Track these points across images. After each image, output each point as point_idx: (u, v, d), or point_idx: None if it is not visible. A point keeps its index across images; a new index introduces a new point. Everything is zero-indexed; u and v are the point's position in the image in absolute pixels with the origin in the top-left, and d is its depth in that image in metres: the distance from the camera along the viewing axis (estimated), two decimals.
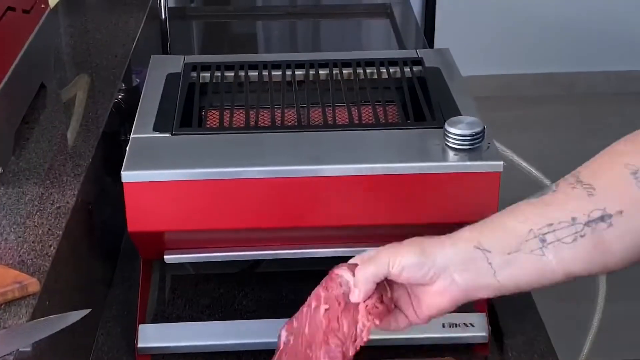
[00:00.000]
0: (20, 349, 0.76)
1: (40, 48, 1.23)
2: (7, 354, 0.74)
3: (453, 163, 0.96)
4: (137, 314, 1.04)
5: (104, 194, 1.16)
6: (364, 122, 1.07)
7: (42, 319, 0.80)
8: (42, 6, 1.27)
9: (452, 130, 0.97)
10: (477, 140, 0.97)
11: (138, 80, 1.46)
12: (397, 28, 1.93)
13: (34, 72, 1.20)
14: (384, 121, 1.07)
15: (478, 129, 0.97)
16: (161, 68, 1.20)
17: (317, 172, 0.96)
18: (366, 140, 1.02)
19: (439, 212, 0.98)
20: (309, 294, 1.14)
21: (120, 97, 1.38)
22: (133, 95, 1.39)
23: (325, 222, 0.99)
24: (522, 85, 3.72)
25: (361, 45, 2.07)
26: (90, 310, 0.83)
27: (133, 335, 1.04)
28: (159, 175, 0.95)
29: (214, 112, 1.10)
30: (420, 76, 1.16)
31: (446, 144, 0.98)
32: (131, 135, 1.02)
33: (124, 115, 1.35)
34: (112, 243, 1.23)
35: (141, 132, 1.03)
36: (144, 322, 1.05)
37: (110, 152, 1.21)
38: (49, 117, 1.19)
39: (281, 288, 1.16)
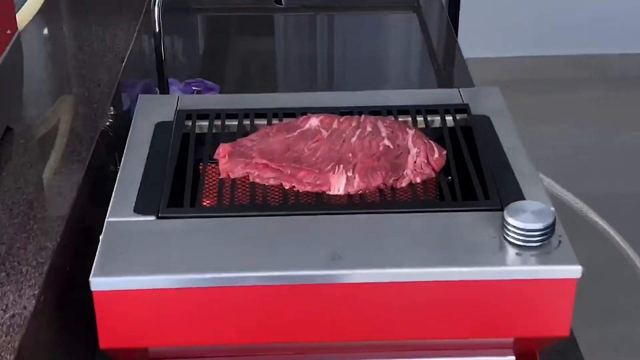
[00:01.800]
0: None
1: (5, 82, 1.02)
2: None
3: (515, 268, 0.75)
4: None
5: (76, 277, 0.95)
6: (396, 197, 0.85)
7: None
8: (8, 32, 1.05)
9: (514, 222, 0.76)
10: (546, 236, 0.76)
11: (129, 101, 1.26)
12: (423, 21, 1.71)
13: None
14: (421, 195, 0.86)
15: (548, 221, 0.75)
16: (149, 114, 0.99)
17: (337, 279, 0.75)
18: (401, 229, 0.80)
19: (492, 327, 0.77)
20: None
21: (108, 124, 1.18)
22: (123, 122, 1.18)
23: (344, 337, 0.78)
24: (552, 68, 3.49)
25: (385, 42, 1.86)
26: None
27: None
28: (140, 282, 0.74)
29: (210, 187, 0.89)
30: (466, 130, 0.94)
31: (505, 238, 0.77)
32: (106, 220, 0.81)
33: (113, 150, 1.14)
34: (85, 345, 1.01)
35: (119, 215, 0.82)
36: None
37: (89, 217, 1.00)
38: (14, 174, 0.98)
39: None
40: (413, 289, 0.75)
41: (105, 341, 0.76)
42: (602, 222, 1.22)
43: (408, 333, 0.77)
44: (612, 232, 1.20)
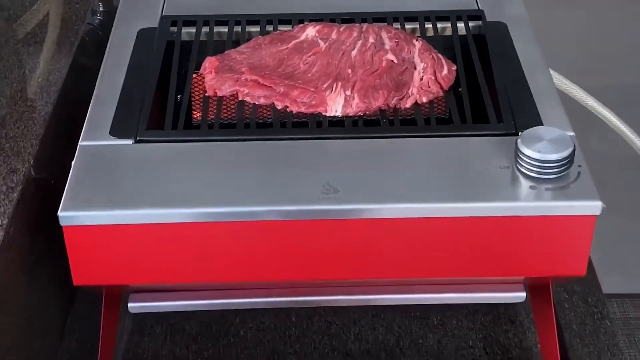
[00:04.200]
0: None
1: None
2: None
3: (528, 203, 0.67)
4: None
5: (51, 200, 0.88)
6: (399, 120, 0.77)
7: None
8: None
9: (529, 152, 0.67)
10: (564, 167, 0.68)
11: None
12: None
13: None
14: (426, 115, 0.77)
15: (567, 152, 0.67)
16: (131, 20, 0.90)
17: (331, 215, 0.68)
18: (404, 156, 0.72)
19: (504, 265, 0.70)
20: (324, 319, 0.90)
21: (97, 22, 1.09)
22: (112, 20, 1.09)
23: (338, 275, 0.71)
24: None
25: None
26: None
27: None
28: (112, 217, 0.67)
29: (196, 106, 0.81)
30: (480, 39, 0.85)
31: (518, 169, 0.69)
32: (79, 143, 0.74)
33: (102, 48, 1.05)
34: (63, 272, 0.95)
35: (93, 138, 0.74)
36: None
37: (66, 135, 0.92)
38: None
39: (290, 309, 0.91)
40: (416, 225, 0.68)
41: (79, 278, 0.70)
42: (614, 118, 1.15)
43: (412, 272, 0.71)
44: (624, 129, 1.13)
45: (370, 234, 0.68)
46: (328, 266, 0.70)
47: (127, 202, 0.68)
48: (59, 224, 0.69)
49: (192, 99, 0.83)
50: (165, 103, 0.78)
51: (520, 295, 0.77)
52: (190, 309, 0.79)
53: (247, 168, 0.71)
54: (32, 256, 0.80)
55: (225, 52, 0.82)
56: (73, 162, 0.72)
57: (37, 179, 0.80)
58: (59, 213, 0.67)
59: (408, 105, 0.76)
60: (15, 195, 0.76)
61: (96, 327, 0.84)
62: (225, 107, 0.79)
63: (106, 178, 0.70)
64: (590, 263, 0.94)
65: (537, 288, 0.81)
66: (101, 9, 1.10)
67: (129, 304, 0.77)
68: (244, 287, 0.76)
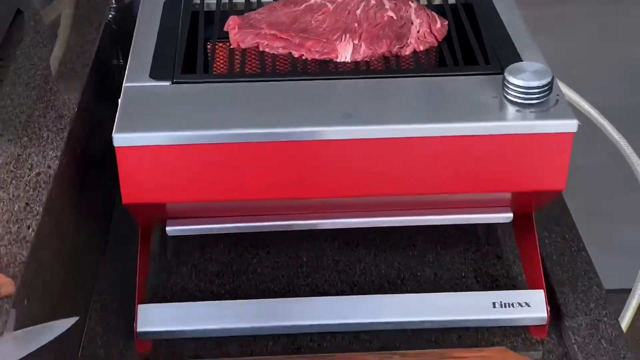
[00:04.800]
0: None
1: None
2: None
3: (516, 123, 0.79)
4: (135, 291, 0.90)
5: (92, 145, 0.99)
6: (401, 64, 0.89)
7: (19, 332, 0.65)
8: None
9: (514, 80, 0.79)
10: (544, 93, 0.80)
11: None
12: None
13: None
14: (425, 63, 0.90)
15: (546, 80, 0.79)
16: None
17: (349, 134, 0.79)
18: (407, 92, 0.84)
19: (494, 181, 0.82)
20: (332, 258, 1.00)
21: (111, 16, 1.20)
22: (127, 14, 1.20)
23: (354, 192, 0.82)
24: None
25: None
26: (77, 318, 0.67)
27: (131, 316, 0.90)
28: (159, 138, 0.78)
29: (222, 47, 0.92)
30: (467, 3, 0.97)
31: (505, 97, 0.81)
32: (123, 85, 0.84)
33: (116, 43, 1.17)
34: (102, 207, 1.07)
35: (135, 80, 0.85)
36: (143, 302, 0.90)
37: (101, 92, 1.03)
38: (27, 53, 1.01)
39: (301, 251, 1.02)
40: (418, 144, 0.79)
41: (127, 196, 0.80)
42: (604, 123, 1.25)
43: (413, 187, 0.82)
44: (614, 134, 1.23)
45: (380, 153, 0.79)
46: (346, 183, 0.81)
47: (172, 126, 0.79)
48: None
49: (216, 59, 0.94)
50: (194, 56, 0.89)
51: (507, 216, 0.88)
52: (218, 232, 0.89)
53: (272, 101, 0.82)
54: (79, 183, 0.91)
55: (244, 14, 0.94)
56: (120, 100, 0.83)
57: (80, 122, 0.91)
58: (113, 135, 0.78)
59: (407, 52, 0.88)
60: (65, 134, 0.87)
61: (127, 266, 0.95)
62: (247, 58, 0.91)
63: (151, 109, 0.81)
64: (567, 209, 1.07)
65: (521, 219, 0.92)
66: (114, 5, 1.21)
67: (167, 228, 0.87)
68: (269, 211, 0.87)
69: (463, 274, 0.99)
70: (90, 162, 0.97)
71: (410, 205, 0.87)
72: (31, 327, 0.66)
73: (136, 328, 0.88)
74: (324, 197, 0.82)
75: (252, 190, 0.81)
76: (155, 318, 0.88)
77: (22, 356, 0.63)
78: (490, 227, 1.04)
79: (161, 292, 0.96)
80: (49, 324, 0.66)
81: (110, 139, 0.78)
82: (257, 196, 0.82)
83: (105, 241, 1.02)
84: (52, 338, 0.65)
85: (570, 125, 0.79)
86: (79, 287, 0.90)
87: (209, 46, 0.94)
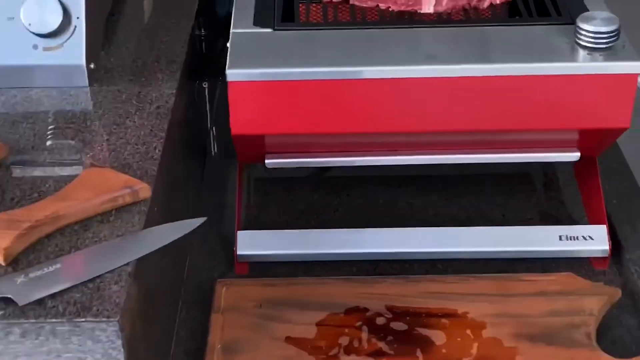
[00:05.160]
0: (136, 259, 0.71)
1: None
2: (125, 264, 0.70)
3: (587, 64, 0.88)
4: (235, 220, 1.00)
5: (192, 93, 1.10)
6: (479, 15, 0.98)
7: (157, 226, 0.75)
8: None
9: (585, 26, 0.88)
10: (612, 39, 0.88)
11: None
12: None
13: None
14: (501, 15, 0.98)
15: (614, 26, 0.88)
16: None
17: (433, 73, 0.88)
18: (485, 38, 0.93)
19: (565, 118, 0.91)
20: (406, 200, 1.09)
21: None
22: None
23: (438, 127, 0.92)
24: None
25: None
26: (205, 218, 0.77)
27: (229, 241, 1.00)
28: (265, 75, 0.88)
29: (316, 7, 1.02)
30: None
31: (577, 42, 0.89)
32: (231, 31, 0.95)
33: (207, 5, 1.27)
34: (200, 146, 1.18)
35: (241, 27, 0.95)
36: (241, 229, 1.00)
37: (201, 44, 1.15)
38: (135, 8, 1.12)
39: (378, 195, 1.11)
40: (499, 83, 0.88)
41: (236, 128, 0.90)
42: None
43: (490, 124, 0.91)
44: None
45: (459, 90, 0.89)
46: (428, 118, 0.90)
47: (276, 64, 0.89)
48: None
49: (311, 13, 1.04)
50: (291, 9, 0.99)
51: (575, 155, 0.97)
52: (311, 165, 0.99)
53: (362, 45, 0.92)
54: (189, 116, 1.02)
55: None
56: (228, 44, 0.93)
57: (187, 67, 1.02)
58: (227, 71, 0.88)
59: (485, 6, 0.98)
60: (177, 75, 0.97)
61: (222, 199, 1.06)
62: (339, 10, 1.00)
63: (256, 50, 0.91)
64: (625, 160, 1.15)
65: (585, 163, 1.01)
66: None
67: (267, 161, 0.96)
68: (356, 147, 0.96)
69: (529, 216, 1.07)
70: (193, 102, 1.08)
71: (485, 144, 0.96)
72: (168, 224, 0.76)
73: (236, 252, 0.98)
74: (407, 132, 0.92)
75: (342, 124, 0.91)
76: (253, 243, 0.98)
77: (159, 246, 0.73)
78: (553, 177, 1.13)
79: (253, 225, 1.06)
80: (182, 221, 0.76)
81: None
82: (346, 129, 0.91)
83: (202, 176, 1.13)
84: (184, 234, 0.75)
85: (635, 66, 0.87)
86: (187, 209, 1.00)
87: (302, 5, 1.04)
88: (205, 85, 1.22)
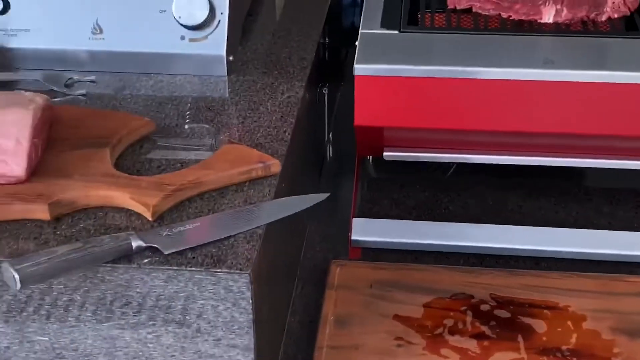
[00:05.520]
0: (266, 224, 0.79)
1: None
2: (256, 227, 0.77)
3: None
4: (351, 208, 1.07)
5: (314, 94, 1.18)
6: (597, 27, 1.03)
7: (285, 198, 0.83)
8: None
9: None
10: None
11: None
12: None
13: None
14: (618, 28, 1.03)
15: None
16: None
17: (550, 77, 0.93)
18: (602, 48, 0.97)
19: None
20: (516, 203, 1.14)
21: None
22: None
23: (550, 129, 0.96)
24: None
25: None
26: (328, 194, 0.85)
27: (343, 227, 1.07)
28: (390, 71, 0.95)
29: (439, 15, 1.08)
30: None
31: None
32: (360, 31, 1.02)
33: (333, 15, 1.35)
34: (319, 147, 1.26)
35: (369, 28, 1.03)
36: (356, 217, 1.07)
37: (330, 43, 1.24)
38: (270, 10, 1.21)
39: (487, 196, 1.16)
40: (612, 89, 0.92)
41: (359, 119, 0.97)
42: None
43: (604, 128, 0.95)
44: None
45: (575, 94, 0.93)
46: (544, 120, 0.95)
47: (400, 61, 0.95)
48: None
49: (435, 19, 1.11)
50: (416, 14, 1.06)
51: None
52: (426, 160, 1.05)
53: (483, 49, 0.98)
54: (313, 106, 1.10)
55: None
56: (357, 43, 1.00)
57: (315, 64, 1.10)
58: (355, 65, 0.95)
59: (603, 19, 1.02)
60: (307, 71, 1.05)
61: (338, 188, 1.14)
62: (462, 17, 1.07)
63: (382, 49, 0.98)
64: None
65: None
66: None
67: (385, 153, 1.03)
68: (470, 145, 1.02)
69: (635, 224, 1.10)
70: (315, 104, 1.16)
71: (595, 149, 1.00)
72: (294, 196, 0.84)
73: (351, 237, 1.05)
74: (520, 131, 0.97)
75: (459, 121, 0.97)
76: (367, 230, 1.05)
77: (284, 215, 0.80)
78: None
79: (367, 216, 1.12)
80: (307, 195, 0.83)
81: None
82: (461, 126, 0.97)
83: (320, 174, 1.20)
84: (309, 205, 0.82)
85: None
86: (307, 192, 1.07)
87: (427, 13, 1.10)
88: (325, 91, 1.30)
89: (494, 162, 1.04)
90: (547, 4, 1.02)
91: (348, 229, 1.06)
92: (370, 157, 1.19)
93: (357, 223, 1.05)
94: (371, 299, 0.95)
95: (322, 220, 1.10)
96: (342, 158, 1.25)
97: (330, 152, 1.30)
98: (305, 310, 0.98)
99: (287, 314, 0.96)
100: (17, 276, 0.68)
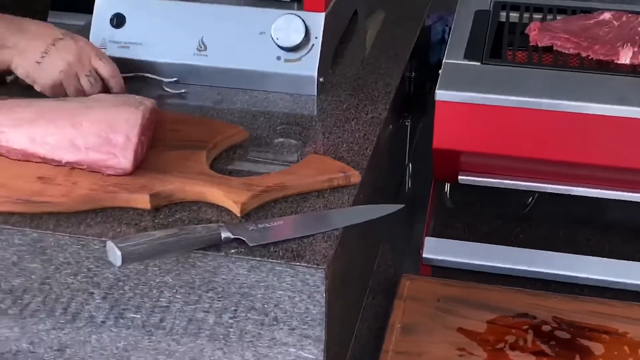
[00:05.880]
0: (343, 227, 0.85)
1: None
2: (334, 229, 0.84)
3: None
4: (424, 228, 1.13)
5: (396, 123, 1.25)
6: None
7: (362, 205, 0.90)
8: None
9: None
10: None
11: (430, 21, 1.53)
12: None
13: (351, 1, 1.29)
14: None
15: None
16: (470, 4, 1.26)
17: (624, 113, 0.98)
18: None
19: None
20: (585, 237, 1.18)
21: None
22: (425, 34, 1.46)
23: (622, 163, 1.01)
24: None
25: None
26: (403, 205, 0.91)
27: (415, 247, 1.13)
28: (470, 98, 1.01)
29: (521, 52, 1.14)
30: None
31: None
32: (444, 60, 1.09)
33: (420, 51, 1.43)
34: (397, 174, 1.32)
35: (453, 58, 1.09)
36: (429, 236, 1.12)
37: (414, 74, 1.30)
38: (360, 40, 1.29)
39: (558, 228, 1.20)
40: None
41: (438, 142, 1.04)
42: None
43: None
44: None
45: None
46: (617, 154, 1.00)
47: (480, 89, 1.02)
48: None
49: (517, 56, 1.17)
50: (498, 49, 1.12)
51: None
52: (501, 186, 1.10)
53: (561, 84, 1.03)
54: (395, 127, 1.18)
55: (543, 22, 1.16)
56: (440, 71, 1.07)
57: (399, 90, 1.17)
58: (436, 91, 1.02)
59: None
60: (391, 95, 1.12)
61: (412, 209, 1.19)
62: (543, 54, 1.12)
63: (464, 78, 1.05)
64: None
65: None
66: None
67: (460, 177, 1.09)
68: (542, 175, 1.07)
69: None
70: (396, 132, 1.23)
71: None
72: (371, 205, 0.90)
73: (422, 254, 1.10)
74: (592, 164, 1.01)
75: (534, 150, 1.02)
76: (438, 249, 1.10)
77: (360, 221, 0.87)
78: None
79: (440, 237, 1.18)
80: (383, 205, 0.90)
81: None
82: (536, 155, 1.02)
83: (398, 192, 1.27)
84: (384, 214, 0.89)
85: None
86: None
87: (509, 49, 1.16)
88: (408, 122, 1.37)
89: (565, 193, 1.08)
90: (624, 47, 1.07)
91: (420, 247, 1.12)
92: (447, 186, 1.24)
93: (430, 242, 1.11)
94: (437, 311, 1.00)
95: (396, 239, 1.16)
96: (419, 186, 1.31)
97: (408, 182, 1.36)
98: (375, 318, 1.03)
99: (357, 320, 1.02)
100: (119, 253, 0.77)
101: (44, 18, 1.35)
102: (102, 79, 1.04)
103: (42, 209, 0.85)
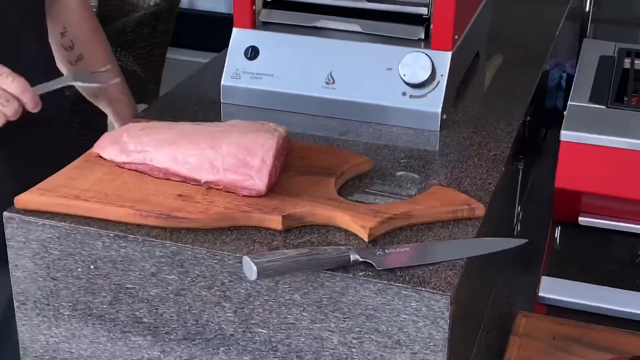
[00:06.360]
0: (467, 258, 0.87)
1: (481, 22, 1.36)
2: (459, 259, 0.86)
3: None
4: (541, 267, 1.13)
5: (511, 164, 1.26)
6: None
7: (487, 238, 0.92)
8: None
9: None
10: None
11: (547, 66, 1.55)
12: None
13: (474, 41, 1.33)
14: None
15: None
16: (594, 50, 1.27)
17: None
18: None
19: None
20: None
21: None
22: (543, 79, 1.47)
23: None
24: None
25: None
26: (527, 240, 0.92)
27: (529, 286, 1.13)
28: (595, 140, 1.03)
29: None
30: None
31: None
32: (569, 103, 1.11)
33: (538, 95, 1.44)
34: (509, 214, 1.34)
35: (578, 101, 1.11)
36: (546, 275, 1.13)
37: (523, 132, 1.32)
38: (481, 81, 1.32)
39: None
40: None
41: (561, 181, 1.05)
42: None
43: None
44: None
45: None
46: None
47: (605, 132, 1.03)
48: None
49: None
50: (622, 94, 1.14)
51: None
52: (622, 230, 1.10)
53: None
54: (514, 173, 1.20)
55: None
56: (565, 113, 1.09)
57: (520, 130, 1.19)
58: (562, 131, 1.04)
59: None
60: (514, 134, 1.14)
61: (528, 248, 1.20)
62: None
63: (589, 120, 1.06)
64: None
65: None
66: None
67: (580, 218, 1.10)
68: None
69: None
70: (511, 173, 1.25)
71: None
72: (494, 238, 0.92)
73: (538, 292, 1.11)
74: None
75: None
76: (555, 288, 1.11)
77: (484, 252, 0.89)
78: None
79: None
80: (506, 238, 0.92)
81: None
82: None
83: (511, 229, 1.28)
84: (507, 247, 0.91)
85: None
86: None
87: (634, 96, 1.17)
88: (521, 166, 1.38)
89: None
90: None
91: (534, 286, 1.12)
92: (558, 230, 1.25)
93: (546, 281, 1.12)
94: (553, 349, 1.00)
95: (511, 278, 1.17)
96: (529, 229, 1.31)
97: (518, 225, 1.37)
98: (489, 352, 1.05)
99: (471, 353, 1.04)
100: (255, 268, 0.81)
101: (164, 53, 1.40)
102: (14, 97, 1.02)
103: (181, 224, 0.91)
